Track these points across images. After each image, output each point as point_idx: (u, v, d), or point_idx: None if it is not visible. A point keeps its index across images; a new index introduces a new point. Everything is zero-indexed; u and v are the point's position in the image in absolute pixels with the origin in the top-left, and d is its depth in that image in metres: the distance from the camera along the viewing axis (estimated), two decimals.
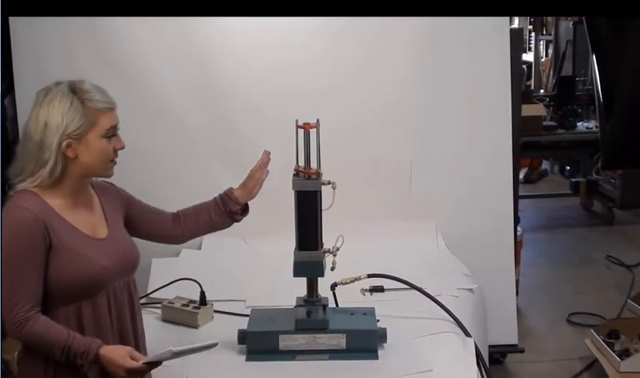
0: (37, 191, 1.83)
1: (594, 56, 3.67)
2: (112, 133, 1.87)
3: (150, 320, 2.58)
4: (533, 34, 9.63)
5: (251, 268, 3.08)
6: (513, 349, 3.65)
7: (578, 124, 6.21)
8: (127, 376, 1.80)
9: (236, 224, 3.35)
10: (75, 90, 1.83)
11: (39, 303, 1.80)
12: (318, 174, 2.22)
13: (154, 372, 1.91)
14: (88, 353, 1.78)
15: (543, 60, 9.39)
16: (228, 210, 2.21)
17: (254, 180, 2.24)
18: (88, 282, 1.84)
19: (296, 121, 2.22)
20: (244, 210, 2.26)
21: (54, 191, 1.85)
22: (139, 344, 1.99)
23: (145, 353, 1.94)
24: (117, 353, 1.80)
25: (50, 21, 3.19)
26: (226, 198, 2.22)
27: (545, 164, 8.16)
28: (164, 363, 1.86)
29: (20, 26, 3.24)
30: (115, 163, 1.92)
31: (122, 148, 1.91)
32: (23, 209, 1.78)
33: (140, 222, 2.10)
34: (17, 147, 1.87)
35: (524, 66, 8.23)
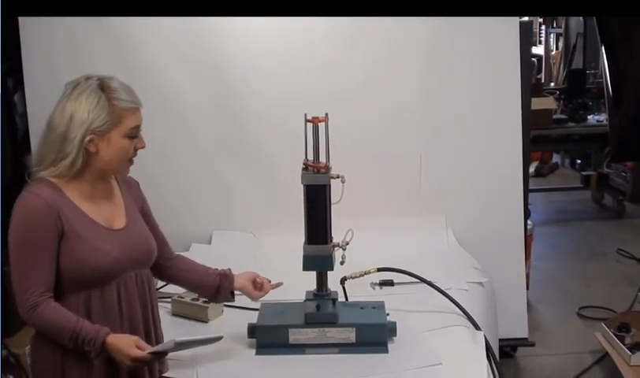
0: (55, 181, 1.86)
1: (603, 48, 3.65)
2: (134, 133, 1.90)
3: (160, 314, 2.59)
4: (543, 27, 9.58)
5: (260, 262, 3.08)
6: (523, 342, 3.63)
7: (589, 117, 6.18)
8: (132, 365, 1.82)
9: (246, 217, 3.41)
10: (103, 87, 1.85)
11: (50, 289, 1.82)
12: (327, 168, 2.21)
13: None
14: (95, 341, 1.80)
15: (553, 53, 9.35)
16: (219, 285, 2.22)
17: (259, 288, 2.29)
18: (97, 271, 1.86)
19: (305, 115, 2.21)
20: (231, 295, 2.27)
21: (73, 183, 1.88)
22: (151, 337, 1.99)
23: None
24: (124, 342, 1.82)
25: (60, 18, 3.20)
26: (224, 275, 2.24)
27: (556, 158, 8.12)
28: (171, 355, 1.86)
29: (31, 23, 3.25)
30: (132, 163, 1.95)
31: (142, 147, 1.94)
32: (36, 195, 1.81)
33: None
34: (40, 136, 1.89)
35: (534, 59, 8.20)
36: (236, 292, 2.28)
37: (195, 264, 2.26)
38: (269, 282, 2.32)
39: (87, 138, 1.83)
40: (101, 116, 1.83)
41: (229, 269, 2.27)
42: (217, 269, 2.25)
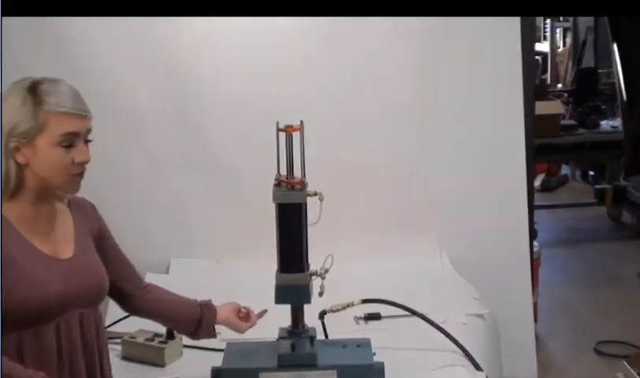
0: None
1: (615, 45, 3.70)
2: (68, 142, 1.84)
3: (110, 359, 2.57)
4: (548, 21, 9.70)
5: (226, 294, 3.03)
6: None
7: (602, 122, 6.24)
8: None
9: (208, 242, 3.39)
10: (34, 87, 1.82)
11: None
12: (303, 184, 2.21)
13: None
14: None
15: (560, 50, 9.46)
16: (201, 316, 2.24)
17: (245, 319, 2.32)
18: (34, 308, 1.81)
19: (277, 123, 2.20)
20: (213, 330, 2.29)
21: (13, 202, 1.84)
22: None
23: None
24: None
25: (11, 21, 3.19)
26: (205, 306, 2.27)
27: (565, 170, 8.20)
28: None
29: None
30: (81, 177, 1.90)
31: (85, 162, 1.88)
32: None
33: (107, 266, 2.06)
34: None
35: (538, 58, 8.28)
36: (217, 327, 2.28)
37: (171, 293, 2.26)
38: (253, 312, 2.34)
39: (12, 145, 1.80)
40: (25, 119, 1.79)
41: (210, 300, 2.28)
42: (196, 300, 2.26)
